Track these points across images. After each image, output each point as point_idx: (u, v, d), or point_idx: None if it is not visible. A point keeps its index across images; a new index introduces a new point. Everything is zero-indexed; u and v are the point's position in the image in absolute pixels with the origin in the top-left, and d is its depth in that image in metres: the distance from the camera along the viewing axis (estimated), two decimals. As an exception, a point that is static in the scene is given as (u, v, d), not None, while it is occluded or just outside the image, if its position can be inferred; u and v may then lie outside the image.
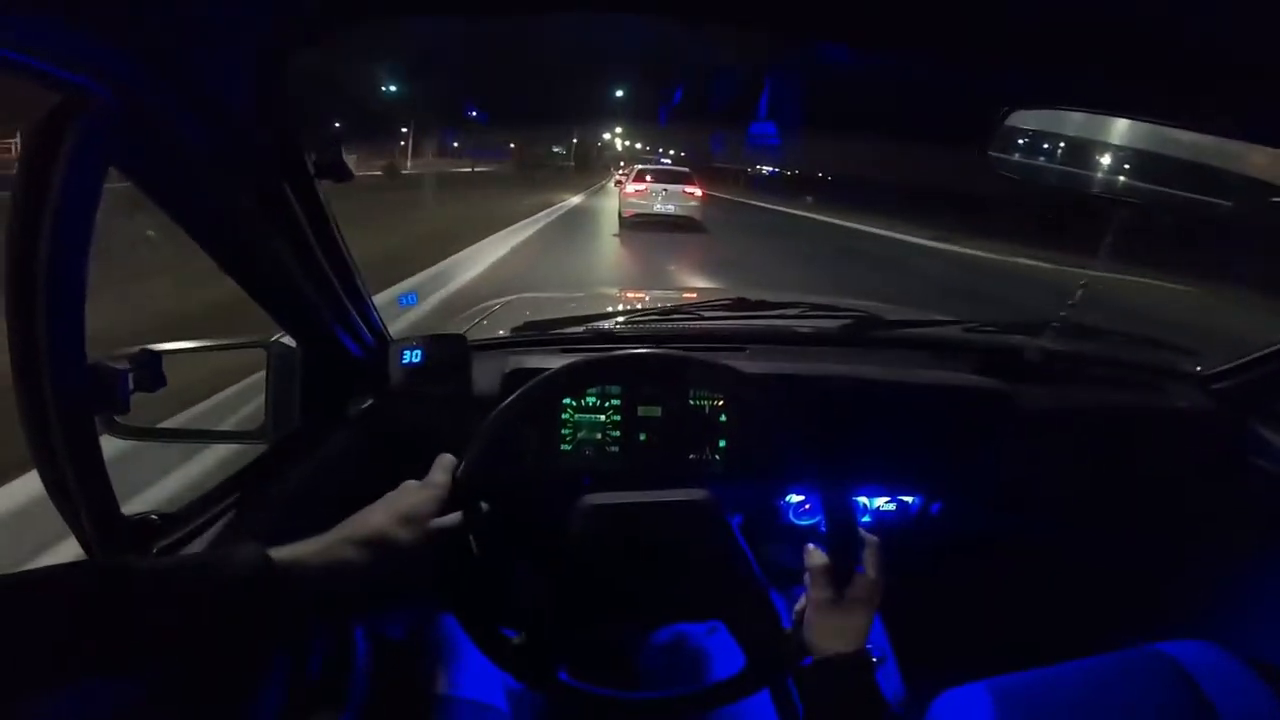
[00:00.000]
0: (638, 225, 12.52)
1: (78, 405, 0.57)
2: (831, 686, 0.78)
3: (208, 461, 1.55)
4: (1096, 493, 1.37)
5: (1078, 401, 1.33)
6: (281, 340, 0.97)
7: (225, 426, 1.15)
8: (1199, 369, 1.42)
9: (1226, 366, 1.38)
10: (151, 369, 0.66)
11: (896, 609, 1.41)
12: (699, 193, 13.39)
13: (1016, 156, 0.79)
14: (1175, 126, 0.70)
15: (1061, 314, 1.44)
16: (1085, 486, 1.36)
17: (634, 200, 12.98)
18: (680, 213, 12.88)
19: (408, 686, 0.97)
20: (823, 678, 0.79)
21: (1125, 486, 1.37)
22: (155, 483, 1.55)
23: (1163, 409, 1.36)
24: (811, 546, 0.85)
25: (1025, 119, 0.76)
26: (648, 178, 13.40)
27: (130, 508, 0.69)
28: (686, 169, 14.79)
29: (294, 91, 0.68)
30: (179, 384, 0.76)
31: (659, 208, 12.84)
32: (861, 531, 0.85)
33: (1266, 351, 1.28)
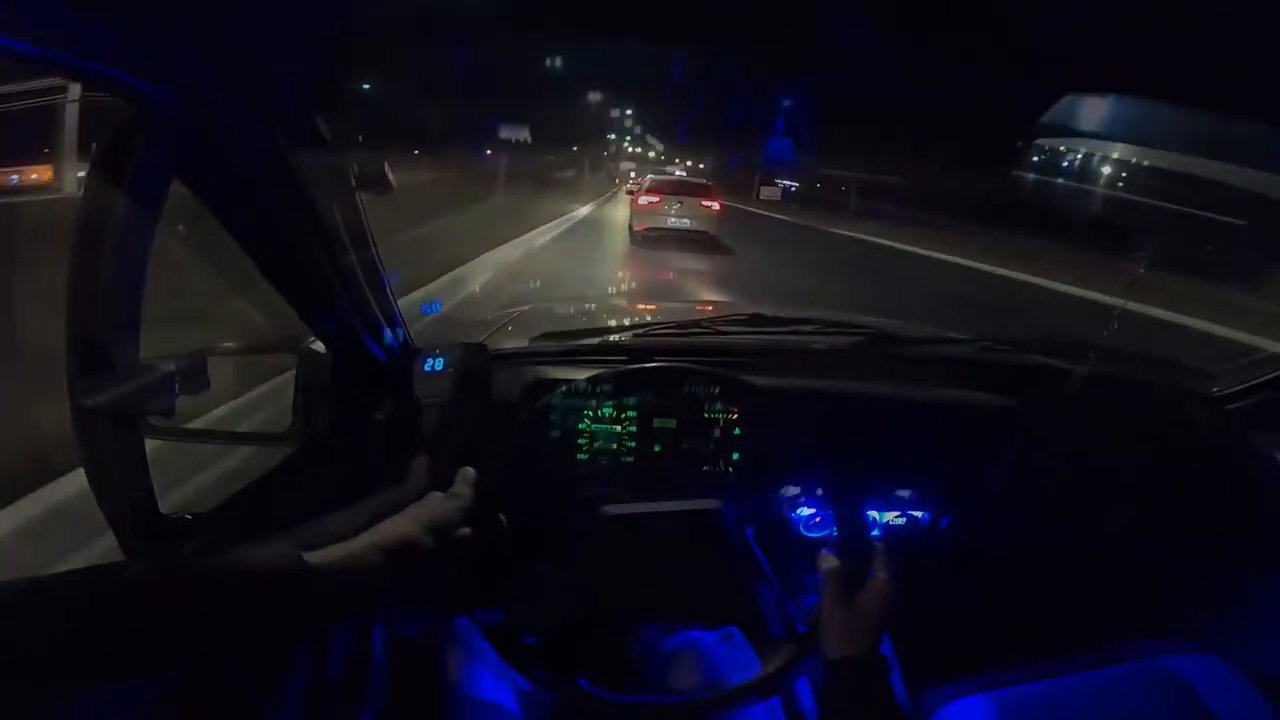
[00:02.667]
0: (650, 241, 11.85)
1: (128, 407, 0.60)
2: (847, 689, 0.80)
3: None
4: (1106, 511, 1.37)
5: (1090, 420, 1.34)
6: (311, 345, 1.00)
7: (253, 428, 1.18)
8: (1213, 390, 1.42)
9: (1240, 387, 1.38)
10: (197, 373, 0.69)
11: (902, 621, 1.42)
12: (716, 206, 12.57)
13: (1031, 176, 0.80)
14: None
15: (1077, 334, 1.45)
16: (1096, 504, 1.36)
17: (646, 213, 12.26)
18: (696, 227, 12.12)
19: (424, 686, 0.98)
20: (838, 680, 0.80)
21: (1135, 506, 1.37)
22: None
23: (1175, 430, 1.36)
24: (824, 552, 0.87)
25: (1049, 135, 0.77)
26: (662, 189, 12.58)
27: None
28: (704, 180, 14.11)
29: (348, 106, 0.71)
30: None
31: (674, 222, 12.07)
32: (871, 539, 0.87)
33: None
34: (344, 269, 0.88)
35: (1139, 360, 1.55)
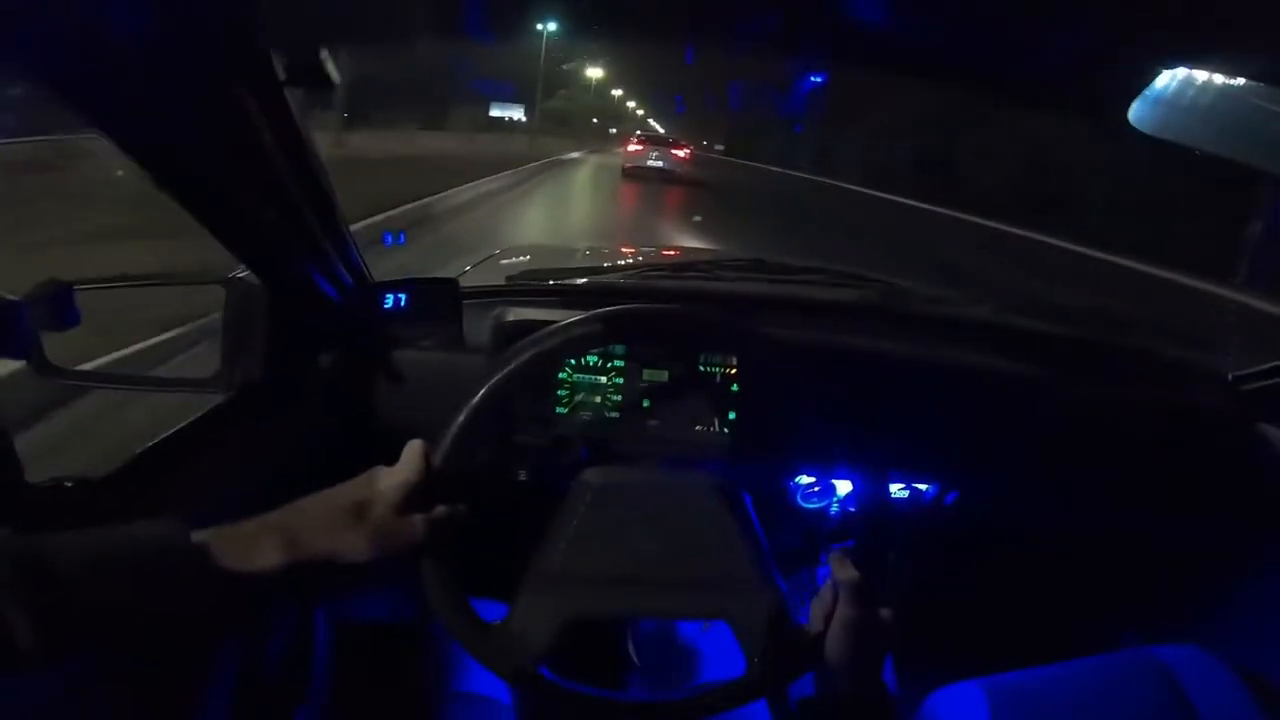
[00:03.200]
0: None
1: None
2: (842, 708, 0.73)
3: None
4: (1112, 489, 1.32)
5: (1104, 394, 1.27)
6: (243, 277, 0.84)
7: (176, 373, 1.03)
8: (1230, 370, 1.35)
9: (1258, 369, 1.31)
10: (60, 305, 0.53)
11: (895, 601, 1.38)
12: (683, 153, 18.55)
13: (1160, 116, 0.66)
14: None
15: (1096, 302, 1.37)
16: (1103, 482, 1.31)
17: (633, 157, 18.19)
18: (667, 166, 17.66)
19: (392, 676, 0.90)
20: (834, 697, 0.73)
21: (1142, 485, 1.32)
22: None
23: (1188, 408, 1.30)
24: (841, 556, 0.76)
25: (1173, 78, 0.64)
26: (644, 141, 19.05)
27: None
28: (674, 138, 20.11)
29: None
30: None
31: (651, 163, 17.76)
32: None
33: None
34: (276, 186, 0.71)
35: (1157, 332, 1.49)
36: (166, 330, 2.17)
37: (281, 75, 0.63)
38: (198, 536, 0.50)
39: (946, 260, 9.00)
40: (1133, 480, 1.30)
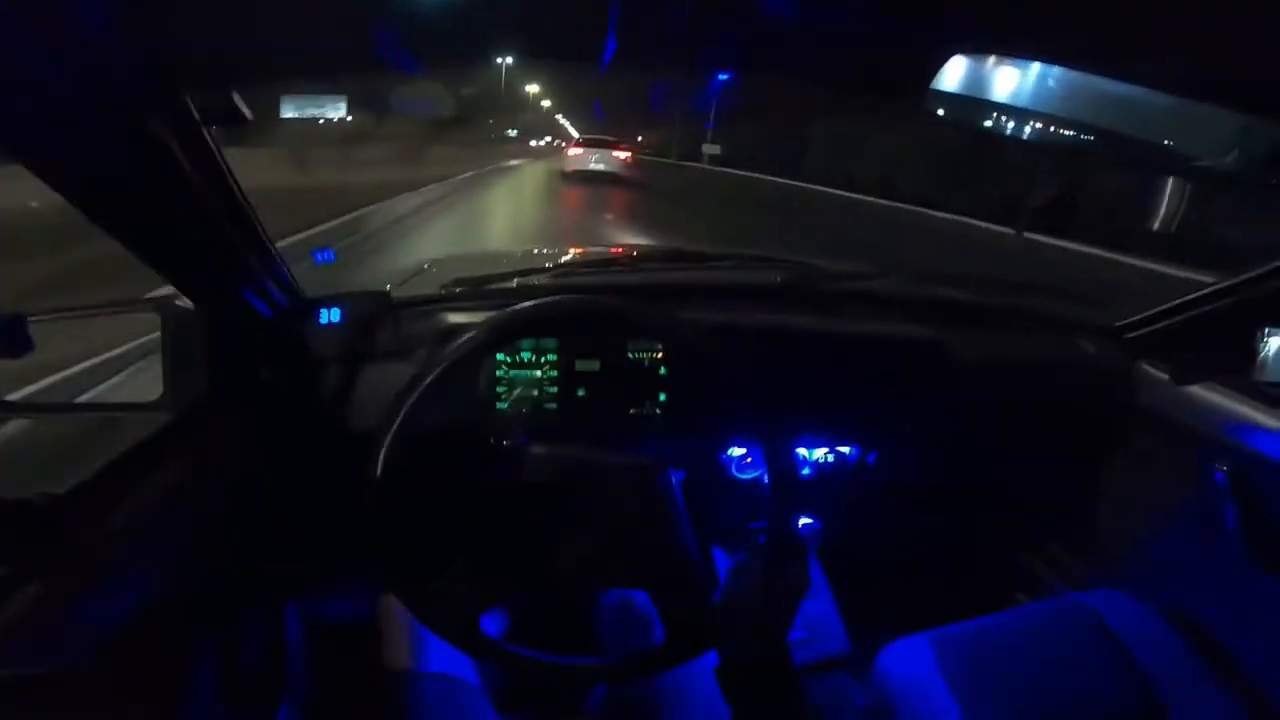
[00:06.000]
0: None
1: None
2: (748, 673, 0.75)
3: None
4: (1018, 441, 1.42)
5: (1001, 352, 1.37)
6: (178, 301, 0.87)
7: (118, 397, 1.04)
8: (1112, 321, 1.48)
9: (1138, 317, 1.43)
10: (14, 333, 0.58)
11: (838, 563, 1.46)
12: (626, 155, 17.66)
13: (948, 105, 0.76)
14: (1116, 78, 0.68)
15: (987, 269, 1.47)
16: (1008, 434, 1.41)
17: (573, 160, 17.51)
18: (609, 170, 17.11)
19: (365, 667, 0.93)
20: (740, 662, 0.76)
21: (1044, 435, 1.43)
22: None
23: (1077, 359, 1.41)
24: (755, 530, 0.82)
25: (962, 67, 0.73)
26: (585, 144, 18.13)
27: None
28: (614, 138, 19.22)
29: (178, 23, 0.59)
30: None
31: (593, 165, 17.08)
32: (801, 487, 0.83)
33: (1176, 303, 1.34)
34: (200, 214, 0.75)
35: (1042, 292, 1.61)
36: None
37: (197, 115, 0.67)
38: None
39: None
40: (1035, 428, 1.41)
